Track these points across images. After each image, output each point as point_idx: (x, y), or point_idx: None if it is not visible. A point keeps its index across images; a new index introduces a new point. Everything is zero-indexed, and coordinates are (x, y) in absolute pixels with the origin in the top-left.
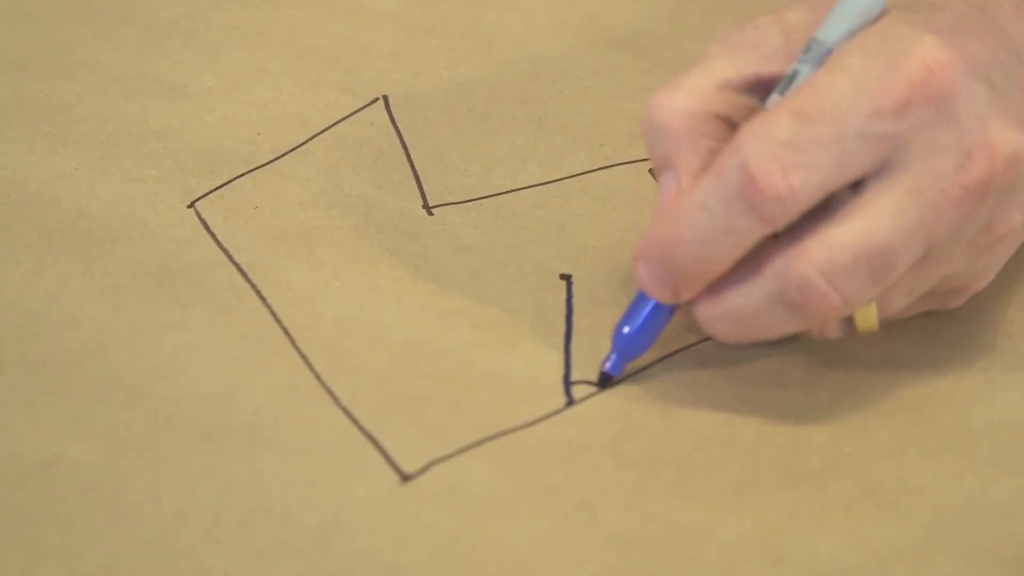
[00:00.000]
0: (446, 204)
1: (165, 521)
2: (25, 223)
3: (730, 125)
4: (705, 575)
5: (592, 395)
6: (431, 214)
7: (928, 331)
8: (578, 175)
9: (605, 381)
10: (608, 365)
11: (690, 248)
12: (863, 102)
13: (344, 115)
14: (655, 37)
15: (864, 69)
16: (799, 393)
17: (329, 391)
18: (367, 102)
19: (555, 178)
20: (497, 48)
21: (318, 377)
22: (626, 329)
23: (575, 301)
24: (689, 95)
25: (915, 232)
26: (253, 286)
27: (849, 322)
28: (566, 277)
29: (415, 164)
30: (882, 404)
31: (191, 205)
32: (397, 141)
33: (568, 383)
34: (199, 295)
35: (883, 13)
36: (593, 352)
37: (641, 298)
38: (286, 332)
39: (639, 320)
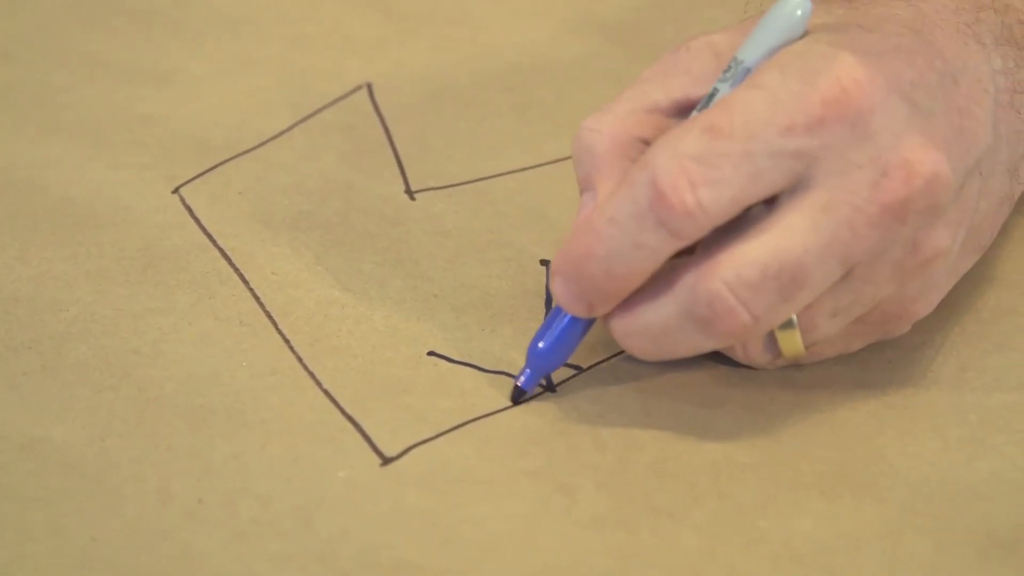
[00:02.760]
0: (428, 189)
1: (148, 502)
2: (11, 208)
3: None
4: (682, 556)
5: (571, 378)
6: (413, 199)
7: None
8: (559, 161)
9: (518, 396)
10: (522, 380)
11: (601, 263)
12: (775, 118)
13: (328, 102)
14: (638, 24)
15: (778, 86)
16: (775, 376)
17: (311, 374)
18: (351, 89)
19: (536, 164)
20: (481, 35)
21: (300, 360)
22: (541, 344)
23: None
24: (616, 118)
25: (828, 249)
26: (237, 270)
27: (776, 348)
28: (546, 263)
29: (398, 150)
30: (856, 388)
31: (176, 190)
32: (380, 128)
33: None
34: (183, 279)
35: (805, 34)
36: None
37: (557, 312)
38: (269, 316)
39: (554, 335)
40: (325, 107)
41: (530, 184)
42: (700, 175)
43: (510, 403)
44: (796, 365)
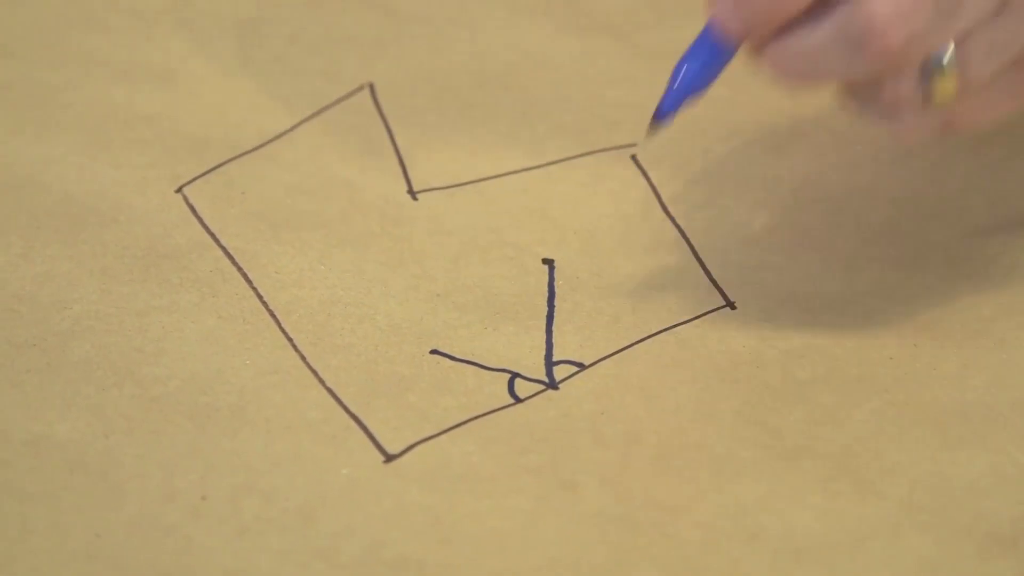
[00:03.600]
0: (430, 189)
1: (151, 499)
2: (13, 207)
3: None
4: (683, 552)
5: (573, 375)
6: (416, 199)
7: (903, 316)
8: (561, 161)
9: (659, 118)
10: (666, 102)
11: None
12: None
13: (329, 102)
14: (638, 24)
15: None
16: (776, 373)
17: (314, 372)
18: (353, 89)
19: (538, 164)
20: (481, 35)
21: (303, 358)
22: (688, 63)
23: (557, 285)
24: None
25: None
26: (240, 269)
27: (928, 88)
28: (548, 262)
29: (400, 150)
30: (857, 385)
31: (179, 190)
32: (382, 127)
33: (550, 364)
34: (186, 278)
35: None
36: (575, 334)
37: (704, 36)
38: (272, 314)
39: (702, 56)
40: (327, 107)
41: (532, 184)
42: None
43: (649, 132)
44: (948, 136)
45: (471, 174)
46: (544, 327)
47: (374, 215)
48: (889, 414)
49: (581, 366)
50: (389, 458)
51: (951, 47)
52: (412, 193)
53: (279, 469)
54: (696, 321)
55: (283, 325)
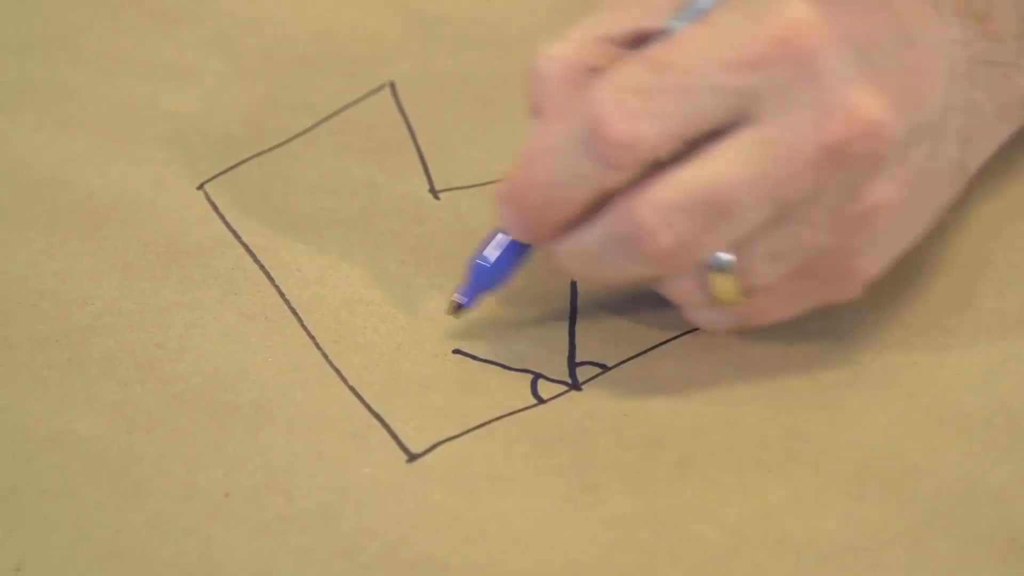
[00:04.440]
0: (452, 189)
1: (173, 496)
2: (35, 204)
3: None
4: (707, 555)
5: (596, 376)
6: (437, 198)
7: (927, 319)
8: None
9: (457, 309)
10: (461, 296)
11: (540, 190)
12: (719, 54)
13: (350, 101)
14: None
15: (726, 23)
16: (801, 378)
17: (337, 370)
18: (374, 88)
19: None
20: (502, 35)
21: (326, 356)
22: (480, 261)
23: (579, 286)
24: (568, 45)
25: (760, 183)
26: (261, 266)
27: (708, 289)
28: None
29: (421, 149)
30: (882, 390)
31: (200, 187)
32: (403, 127)
33: (573, 365)
34: (207, 274)
35: None
36: (597, 336)
37: (500, 234)
38: (294, 312)
39: (497, 254)
40: (348, 106)
41: None
42: (639, 107)
43: (452, 313)
44: (749, 333)
45: (492, 173)
46: (567, 328)
47: (396, 214)
48: (914, 419)
49: (604, 367)
50: (412, 457)
51: (726, 253)
52: (434, 192)
53: (301, 467)
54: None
55: (305, 323)
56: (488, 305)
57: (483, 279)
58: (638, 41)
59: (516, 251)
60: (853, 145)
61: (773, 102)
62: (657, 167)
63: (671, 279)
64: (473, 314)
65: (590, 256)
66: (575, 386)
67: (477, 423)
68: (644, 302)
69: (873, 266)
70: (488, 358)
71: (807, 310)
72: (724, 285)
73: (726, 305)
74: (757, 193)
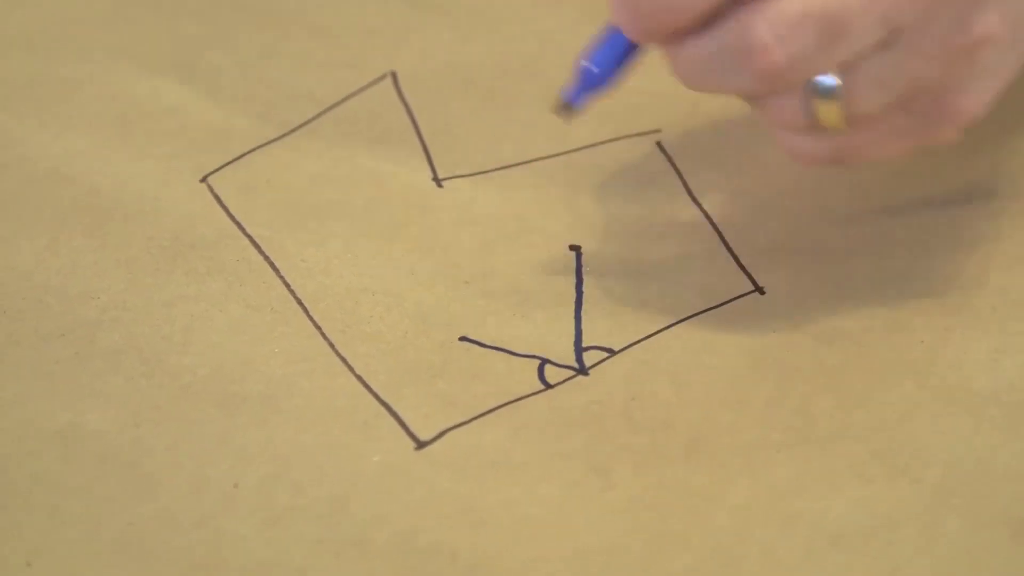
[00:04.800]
0: (455, 177)
1: (183, 487)
2: (39, 199)
3: None
4: (716, 537)
5: (603, 360)
6: (441, 187)
7: (934, 298)
8: (585, 148)
9: (564, 109)
10: (569, 93)
11: None
12: None
13: (352, 91)
14: None
15: None
16: (808, 359)
17: (343, 360)
18: (376, 78)
19: (562, 151)
20: (503, 24)
21: (332, 346)
22: (585, 62)
23: (584, 271)
24: None
25: (874, 3)
26: (266, 258)
27: (813, 113)
28: (575, 248)
29: (424, 138)
30: (889, 370)
31: (204, 180)
32: (406, 116)
33: (579, 350)
34: (213, 267)
35: None
36: (604, 320)
37: (611, 32)
38: (300, 302)
39: (604, 51)
40: (350, 96)
41: (556, 172)
42: None
43: (563, 115)
44: (841, 166)
45: (495, 161)
46: (573, 313)
47: (400, 203)
48: (921, 399)
49: (611, 352)
50: (420, 445)
51: (836, 74)
52: (437, 181)
53: (310, 457)
54: (725, 307)
55: (311, 313)
56: (494, 291)
57: (591, 79)
58: None
59: (626, 51)
60: None
61: None
62: None
63: (774, 99)
64: (480, 301)
65: (702, 65)
66: (582, 371)
67: (485, 409)
68: (649, 286)
69: (973, 105)
70: (494, 344)
71: (905, 151)
72: (828, 109)
73: (829, 132)
74: (871, 14)
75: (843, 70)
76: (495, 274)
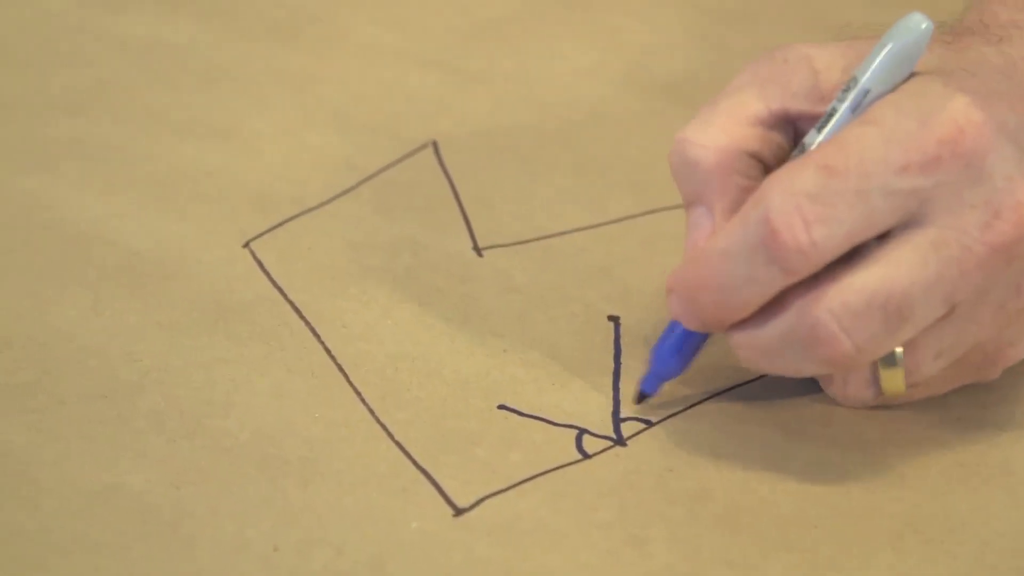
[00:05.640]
0: (495, 246)
1: (223, 550)
2: (81, 261)
3: (759, 161)
4: None
5: (641, 431)
6: (481, 256)
7: None
8: (622, 220)
9: (641, 398)
10: (644, 384)
11: (713, 294)
12: (891, 157)
13: (392, 160)
14: (697, 84)
15: (894, 124)
16: (845, 432)
17: (383, 426)
18: (414, 147)
19: (600, 222)
20: (541, 93)
21: (372, 412)
22: (659, 355)
23: (623, 342)
24: (721, 131)
25: (934, 285)
26: (307, 323)
27: (877, 385)
28: (614, 319)
29: (464, 207)
30: (926, 445)
31: (246, 245)
32: (446, 185)
33: (617, 421)
34: (253, 331)
35: (914, 74)
36: None
37: (675, 322)
38: (340, 368)
39: (674, 342)
40: (392, 164)
41: (594, 242)
42: (814, 213)
43: (637, 403)
44: (883, 407)
45: (534, 231)
46: (611, 384)
47: (440, 271)
48: (957, 474)
49: (649, 423)
50: (459, 512)
51: (900, 352)
52: (477, 250)
53: (349, 521)
54: (762, 379)
55: (351, 379)
56: (532, 360)
57: (663, 369)
58: (784, 122)
59: (692, 339)
60: (1022, 243)
61: (943, 202)
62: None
63: (841, 376)
64: (518, 369)
65: (766, 352)
66: (620, 441)
67: (523, 478)
68: None
69: (1020, 354)
70: (533, 413)
71: (948, 390)
72: (894, 379)
73: (890, 399)
74: (932, 295)
75: (906, 346)
76: (534, 343)
